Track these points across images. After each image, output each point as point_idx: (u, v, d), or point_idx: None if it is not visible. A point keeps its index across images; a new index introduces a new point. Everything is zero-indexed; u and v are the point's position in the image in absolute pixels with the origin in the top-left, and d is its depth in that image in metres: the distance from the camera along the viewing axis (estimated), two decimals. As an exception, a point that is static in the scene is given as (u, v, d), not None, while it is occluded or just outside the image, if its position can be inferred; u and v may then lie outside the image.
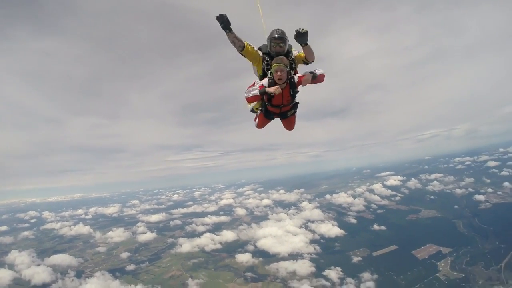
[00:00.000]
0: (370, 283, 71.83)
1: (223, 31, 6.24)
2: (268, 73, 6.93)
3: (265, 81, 6.72)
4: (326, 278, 75.34)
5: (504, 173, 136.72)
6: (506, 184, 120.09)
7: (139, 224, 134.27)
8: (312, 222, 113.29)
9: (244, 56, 6.87)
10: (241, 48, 6.59)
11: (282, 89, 6.60)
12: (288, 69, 6.53)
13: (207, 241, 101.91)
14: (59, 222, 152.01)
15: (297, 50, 7.17)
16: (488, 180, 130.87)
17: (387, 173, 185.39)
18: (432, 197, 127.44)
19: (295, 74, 6.97)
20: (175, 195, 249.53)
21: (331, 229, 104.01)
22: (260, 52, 7.01)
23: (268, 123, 7.82)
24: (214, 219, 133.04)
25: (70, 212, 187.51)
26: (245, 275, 79.56)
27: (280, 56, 6.51)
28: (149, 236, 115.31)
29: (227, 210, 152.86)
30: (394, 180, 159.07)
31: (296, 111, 7.52)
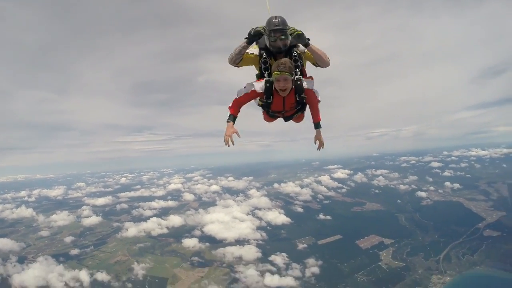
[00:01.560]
0: (315, 269, 75.51)
1: (247, 41, 5.48)
2: (266, 74, 5.82)
3: (258, 85, 5.72)
4: (272, 263, 78.37)
5: (446, 173, 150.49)
6: (447, 183, 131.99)
7: (84, 207, 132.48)
8: (260, 209, 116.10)
9: (239, 66, 6.01)
10: (239, 61, 5.81)
11: (284, 96, 5.76)
12: (293, 76, 5.42)
13: (154, 225, 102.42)
14: (0, 204, 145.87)
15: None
16: (431, 179, 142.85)
17: (335, 166, 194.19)
18: (377, 191, 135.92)
19: (302, 74, 5.91)
20: (123, 178, 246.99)
21: (277, 217, 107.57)
22: (256, 51, 5.92)
23: (274, 120, 6.93)
24: (161, 203, 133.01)
25: (12, 194, 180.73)
26: (192, 260, 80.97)
27: (283, 60, 5.33)
28: (94, 220, 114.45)
29: (175, 195, 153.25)
30: (341, 173, 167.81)
31: (304, 110, 6.46)
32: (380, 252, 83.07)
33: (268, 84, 5.62)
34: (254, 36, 5.32)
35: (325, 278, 72.69)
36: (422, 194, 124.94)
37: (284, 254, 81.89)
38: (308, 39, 5.32)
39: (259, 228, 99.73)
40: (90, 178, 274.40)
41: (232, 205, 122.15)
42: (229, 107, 5.96)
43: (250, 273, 73.29)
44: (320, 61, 5.73)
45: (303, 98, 5.76)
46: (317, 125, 6.32)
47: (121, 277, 73.55)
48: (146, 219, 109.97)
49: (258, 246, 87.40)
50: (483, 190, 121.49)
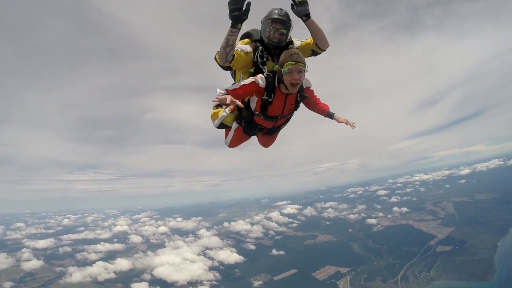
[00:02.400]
0: None
1: (230, 24, 4.34)
2: (265, 69, 5.11)
3: (259, 78, 4.95)
4: None
5: (393, 200, 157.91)
6: (395, 208, 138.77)
7: (24, 250, 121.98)
8: (211, 249, 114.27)
9: (228, 68, 5.15)
10: (232, 57, 4.79)
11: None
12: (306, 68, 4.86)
13: (100, 270, 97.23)
14: None
15: (298, 39, 5.46)
16: (379, 206, 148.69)
17: (285, 202, 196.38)
18: (327, 223, 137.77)
19: None
20: (66, 220, 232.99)
21: (230, 256, 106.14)
22: (247, 48, 5.11)
23: (245, 141, 6.32)
24: (107, 246, 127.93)
25: None
26: None
27: (294, 50, 4.84)
28: (35, 264, 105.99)
29: (122, 237, 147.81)
30: (291, 209, 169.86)
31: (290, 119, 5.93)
32: (338, 282, 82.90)
33: (270, 79, 4.96)
34: (238, 9, 4.12)
35: None
36: (372, 221, 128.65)
37: None
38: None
39: (211, 268, 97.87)
40: (30, 218, 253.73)
41: (182, 246, 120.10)
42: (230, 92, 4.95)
43: None
44: (321, 40, 5.14)
45: (304, 97, 5.37)
46: (330, 114, 6.02)
47: None
48: (91, 263, 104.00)
49: (212, 287, 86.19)
50: (430, 210, 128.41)
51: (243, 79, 5.19)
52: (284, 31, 4.93)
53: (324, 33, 5.02)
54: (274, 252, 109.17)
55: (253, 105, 5.24)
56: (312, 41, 5.19)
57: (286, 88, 4.89)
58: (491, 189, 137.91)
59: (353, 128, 5.91)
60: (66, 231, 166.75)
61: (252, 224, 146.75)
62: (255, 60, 5.11)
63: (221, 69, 5.05)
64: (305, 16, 4.69)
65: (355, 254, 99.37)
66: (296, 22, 4.98)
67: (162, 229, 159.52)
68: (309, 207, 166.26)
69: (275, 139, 6.35)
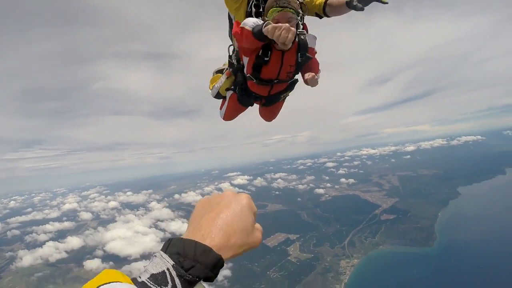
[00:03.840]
0: (226, 271, 75.10)
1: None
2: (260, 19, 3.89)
3: (252, 22, 3.70)
4: None
5: (340, 171, 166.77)
6: (343, 180, 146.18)
7: None
8: (162, 221, 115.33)
9: None
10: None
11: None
12: (299, 17, 3.81)
13: (51, 250, 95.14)
14: None
15: None
16: (327, 177, 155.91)
17: (235, 173, 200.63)
18: (277, 193, 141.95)
19: (304, 29, 4.23)
20: (12, 202, 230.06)
21: (181, 226, 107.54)
22: None
23: (241, 113, 5.37)
24: (57, 226, 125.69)
25: None
26: None
27: None
28: None
29: (71, 215, 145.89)
30: (241, 179, 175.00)
31: (293, 88, 4.75)
32: (288, 248, 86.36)
33: (267, 27, 3.49)
34: None
35: (238, 280, 72.80)
36: (320, 191, 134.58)
37: None
38: None
39: (163, 240, 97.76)
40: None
41: (133, 220, 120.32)
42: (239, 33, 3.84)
43: None
44: (335, 10, 4.12)
45: (307, 58, 4.10)
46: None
47: None
48: (41, 244, 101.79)
49: None
50: (376, 182, 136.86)
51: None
52: None
53: None
54: None
55: (246, 66, 4.26)
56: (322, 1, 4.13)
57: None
58: (434, 165, 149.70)
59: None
60: (13, 214, 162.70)
61: (202, 195, 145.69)
62: (249, 10, 4.14)
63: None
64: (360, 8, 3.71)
65: (304, 222, 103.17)
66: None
67: (112, 204, 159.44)
68: (259, 178, 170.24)
69: (277, 111, 5.26)
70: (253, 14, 4.01)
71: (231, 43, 4.71)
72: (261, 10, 3.99)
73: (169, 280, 1.09)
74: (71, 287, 75.46)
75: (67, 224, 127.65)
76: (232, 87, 4.79)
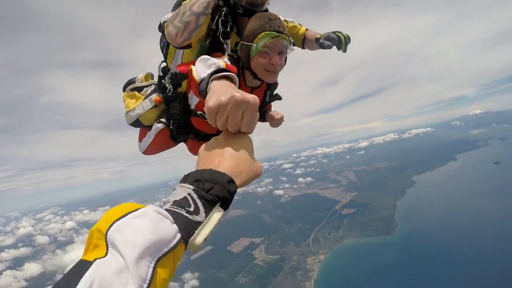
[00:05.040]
0: (194, 282, 75.29)
1: None
2: (227, 46, 2.86)
3: (205, 66, 1.90)
4: None
5: (298, 171, 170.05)
6: (300, 179, 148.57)
7: None
8: None
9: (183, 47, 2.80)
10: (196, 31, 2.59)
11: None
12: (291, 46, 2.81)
13: (9, 280, 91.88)
14: None
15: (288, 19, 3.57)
16: (285, 178, 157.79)
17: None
18: (236, 197, 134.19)
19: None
20: None
21: None
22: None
23: (168, 149, 3.99)
24: (13, 253, 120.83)
25: None
26: None
27: (272, 14, 2.72)
28: None
29: (27, 240, 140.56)
30: None
31: None
32: (253, 252, 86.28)
33: (232, 63, 2.46)
34: None
35: None
36: (280, 192, 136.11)
37: None
38: None
39: None
40: None
41: None
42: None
43: None
44: (312, 47, 3.52)
45: (276, 97, 3.35)
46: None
47: None
48: None
49: None
50: (333, 179, 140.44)
51: (182, 57, 3.03)
52: None
53: None
54: None
55: (193, 101, 3.11)
56: (302, 31, 3.48)
57: (255, 78, 2.77)
58: (388, 158, 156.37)
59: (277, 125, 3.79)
60: None
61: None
62: (214, 27, 2.88)
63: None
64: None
65: (266, 224, 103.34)
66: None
67: (69, 224, 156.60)
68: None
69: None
70: (219, 34, 2.79)
71: (164, 60, 3.39)
72: (228, 29, 2.80)
73: (191, 203, 1.10)
74: None
75: (23, 250, 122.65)
76: (163, 120, 3.39)
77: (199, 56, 2.07)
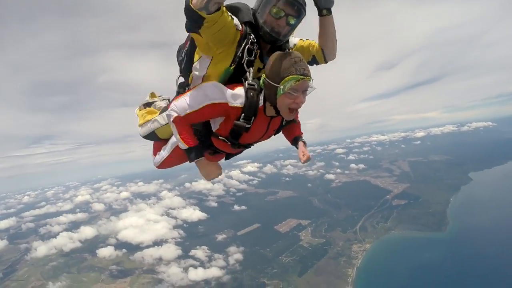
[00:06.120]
0: (238, 255, 76.70)
1: None
2: (249, 74, 3.07)
3: (236, 95, 3.05)
4: (194, 257, 77.67)
5: (350, 157, 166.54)
6: (352, 165, 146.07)
7: None
8: (174, 209, 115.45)
9: (199, 24, 2.64)
10: (217, 7, 2.48)
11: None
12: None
13: (65, 240, 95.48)
14: None
15: (298, 37, 3.72)
16: (337, 163, 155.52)
17: (245, 161, 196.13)
18: (287, 179, 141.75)
19: None
20: (26, 197, 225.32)
21: (193, 213, 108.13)
22: (238, 25, 3.03)
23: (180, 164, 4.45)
24: (70, 217, 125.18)
25: None
26: (111, 271, 76.87)
27: (297, 53, 2.99)
28: None
29: (84, 207, 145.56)
30: (251, 167, 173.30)
31: None
32: (300, 233, 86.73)
33: (253, 95, 3.00)
34: None
35: (250, 264, 73.28)
36: (331, 176, 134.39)
37: (204, 247, 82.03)
38: None
39: (175, 226, 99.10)
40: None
41: (144, 209, 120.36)
42: (182, 136, 3.20)
43: (173, 271, 72.48)
44: (331, 47, 3.55)
45: (290, 122, 3.84)
46: (299, 139, 4.12)
47: None
48: (55, 235, 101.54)
49: (177, 244, 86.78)
50: (386, 168, 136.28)
51: (207, 70, 3.22)
52: (294, 21, 3.07)
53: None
54: (236, 208, 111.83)
55: (215, 125, 3.41)
56: (317, 45, 3.63)
57: (276, 112, 3.17)
58: (445, 151, 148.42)
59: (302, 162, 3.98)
60: (27, 208, 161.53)
61: (213, 183, 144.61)
62: (240, 54, 3.06)
63: (187, 24, 2.79)
64: (327, 10, 3.23)
65: (315, 208, 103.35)
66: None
67: (124, 194, 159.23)
68: (269, 165, 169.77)
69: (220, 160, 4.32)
70: (244, 62, 3.06)
71: (181, 74, 3.75)
72: (253, 57, 3.08)
73: None
74: (84, 275, 75.99)
75: (80, 216, 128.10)
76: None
77: (221, 79, 3.13)
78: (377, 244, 76.81)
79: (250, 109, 3.01)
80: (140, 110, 4.51)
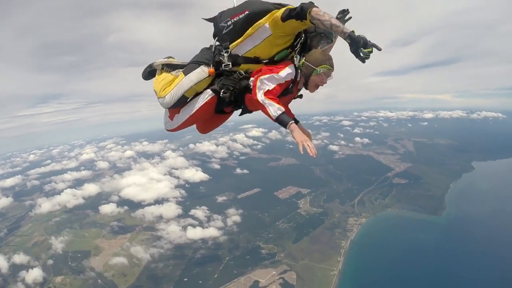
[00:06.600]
0: (236, 217, 78.92)
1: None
2: (297, 60, 4.22)
3: (290, 71, 4.16)
4: (193, 217, 79.74)
5: (356, 131, 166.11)
6: (357, 139, 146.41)
7: None
8: (176, 169, 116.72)
9: (297, 22, 3.75)
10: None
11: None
12: None
13: (69, 197, 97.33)
14: None
15: None
16: (342, 135, 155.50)
17: (250, 125, 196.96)
18: (291, 146, 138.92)
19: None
20: (31, 156, 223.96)
21: (195, 174, 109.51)
22: None
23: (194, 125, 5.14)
24: (74, 175, 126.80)
25: None
26: (112, 227, 78.78)
27: (330, 56, 4.35)
28: (4, 202, 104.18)
29: (88, 165, 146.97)
30: (256, 132, 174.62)
31: None
32: (298, 201, 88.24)
33: (295, 72, 4.24)
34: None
35: (247, 227, 75.29)
36: (335, 148, 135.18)
37: (204, 207, 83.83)
38: None
39: (177, 186, 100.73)
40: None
41: (148, 168, 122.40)
42: (270, 103, 3.88)
43: (172, 229, 74.55)
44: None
45: (299, 96, 4.83)
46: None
47: (41, 256, 67.20)
48: (59, 192, 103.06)
49: (177, 203, 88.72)
50: (391, 145, 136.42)
51: (258, 45, 4.16)
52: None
53: None
54: (238, 171, 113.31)
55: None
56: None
57: (304, 86, 4.44)
58: (451, 136, 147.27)
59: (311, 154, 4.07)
60: (33, 166, 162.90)
61: (217, 145, 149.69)
62: (295, 44, 4.24)
63: (298, 15, 3.69)
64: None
65: (316, 178, 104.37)
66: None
67: (129, 153, 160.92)
68: (274, 131, 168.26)
69: (222, 123, 5.35)
70: (296, 49, 4.28)
71: (218, 37, 4.45)
72: (302, 52, 4.32)
73: None
74: (86, 231, 77.91)
75: (84, 173, 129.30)
76: (215, 87, 4.37)
77: (278, 53, 4.18)
78: (373, 220, 78.33)
79: (295, 80, 4.22)
80: (160, 73, 4.95)
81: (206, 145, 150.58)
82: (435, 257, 62.54)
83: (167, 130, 5.10)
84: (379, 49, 3.50)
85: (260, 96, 3.86)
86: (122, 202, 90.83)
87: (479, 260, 60.96)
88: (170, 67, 4.93)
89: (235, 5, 4.36)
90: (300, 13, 3.59)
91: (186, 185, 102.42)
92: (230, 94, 4.27)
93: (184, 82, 4.34)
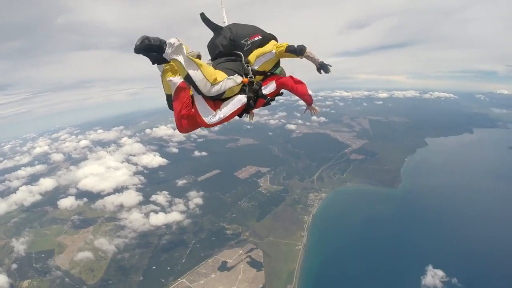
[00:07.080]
0: (198, 200, 78.79)
1: None
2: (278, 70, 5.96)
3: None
4: (155, 203, 78.78)
5: None
6: (314, 118, 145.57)
7: None
8: (134, 155, 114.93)
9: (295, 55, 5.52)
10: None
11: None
12: None
13: (25, 195, 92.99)
14: None
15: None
16: (299, 114, 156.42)
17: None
18: (248, 127, 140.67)
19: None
20: None
21: (153, 159, 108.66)
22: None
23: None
24: (29, 170, 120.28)
25: None
26: (73, 221, 75.92)
27: None
28: None
29: (43, 158, 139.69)
30: None
31: None
32: (258, 180, 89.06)
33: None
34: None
35: (209, 209, 75.09)
36: (292, 127, 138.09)
37: (165, 192, 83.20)
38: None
39: (136, 173, 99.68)
40: None
41: (104, 157, 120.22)
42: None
43: (134, 217, 73.59)
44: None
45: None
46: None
47: (4, 261, 63.53)
48: (15, 190, 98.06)
49: (137, 190, 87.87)
50: (347, 123, 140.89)
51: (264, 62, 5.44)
52: None
53: None
54: (197, 154, 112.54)
55: (270, 89, 5.49)
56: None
57: None
58: (405, 114, 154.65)
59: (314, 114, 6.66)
60: None
61: (174, 129, 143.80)
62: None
63: (297, 50, 5.43)
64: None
65: (274, 156, 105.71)
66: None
67: (83, 143, 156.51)
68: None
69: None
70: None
71: (236, 53, 5.19)
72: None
73: None
74: (47, 229, 73.99)
75: (39, 168, 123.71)
76: (249, 94, 5.01)
77: (273, 67, 5.62)
78: (333, 194, 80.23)
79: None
80: (207, 64, 4.70)
81: (162, 129, 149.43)
82: (393, 226, 65.47)
83: (209, 123, 4.69)
84: (328, 72, 5.53)
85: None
86: (80, 194, 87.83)
87: (433, 228, 64.20)
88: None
89: (226, 22, 5.77)
90: (299, 52, 5.31)
91: (145, 171, 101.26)
92: (253, 101, 5.08)
93: (229, 81, 4.59)
